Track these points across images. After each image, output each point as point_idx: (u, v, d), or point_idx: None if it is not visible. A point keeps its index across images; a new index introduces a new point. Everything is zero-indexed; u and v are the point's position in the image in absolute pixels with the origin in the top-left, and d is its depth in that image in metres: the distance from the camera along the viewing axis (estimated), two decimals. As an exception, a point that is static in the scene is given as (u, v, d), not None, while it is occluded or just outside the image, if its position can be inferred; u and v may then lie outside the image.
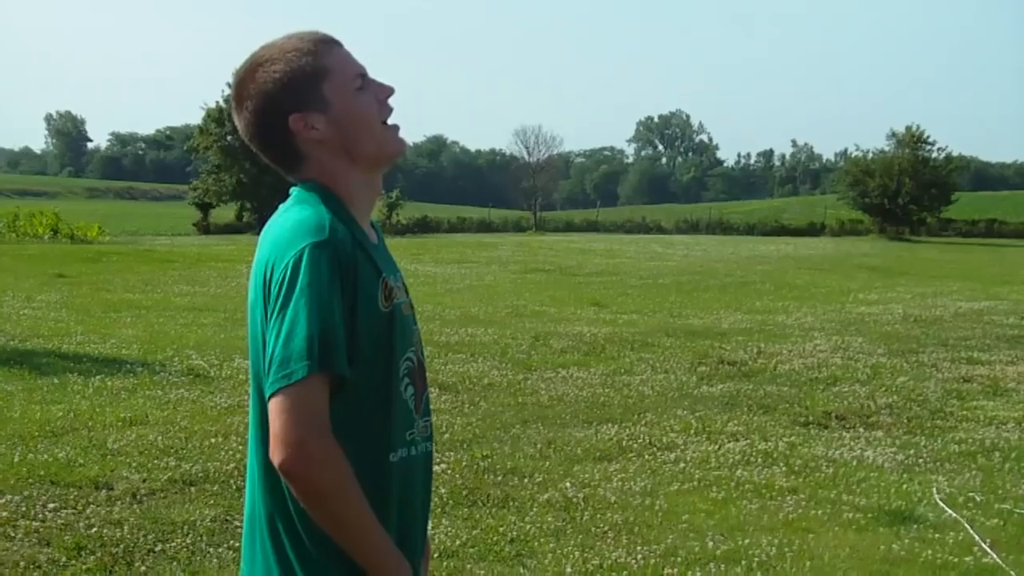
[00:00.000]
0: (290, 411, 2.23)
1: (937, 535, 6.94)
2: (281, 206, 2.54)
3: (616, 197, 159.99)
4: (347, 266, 2.33)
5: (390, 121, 2.58)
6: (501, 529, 6.81)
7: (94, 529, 6.55)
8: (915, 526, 7.14)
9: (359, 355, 2.35)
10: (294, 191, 2.54)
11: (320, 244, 2.31)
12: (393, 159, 2.64)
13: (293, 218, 2.42)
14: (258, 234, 2.55)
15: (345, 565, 2.35)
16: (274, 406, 2.26)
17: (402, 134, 2.61)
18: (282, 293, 2.29)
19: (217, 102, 63.52)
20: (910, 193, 61.90)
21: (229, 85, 57.52)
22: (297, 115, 2.46)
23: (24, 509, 6.87)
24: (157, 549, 6.29)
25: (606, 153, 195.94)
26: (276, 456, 2.24)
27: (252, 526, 2.48)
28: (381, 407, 2.44)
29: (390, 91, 2.58)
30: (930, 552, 6.59)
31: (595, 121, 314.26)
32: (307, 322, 2.24)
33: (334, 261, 2.31)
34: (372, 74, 2.57)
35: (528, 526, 6.90)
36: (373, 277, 2.42)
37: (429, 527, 2.79)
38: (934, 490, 7.94)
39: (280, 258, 2.33)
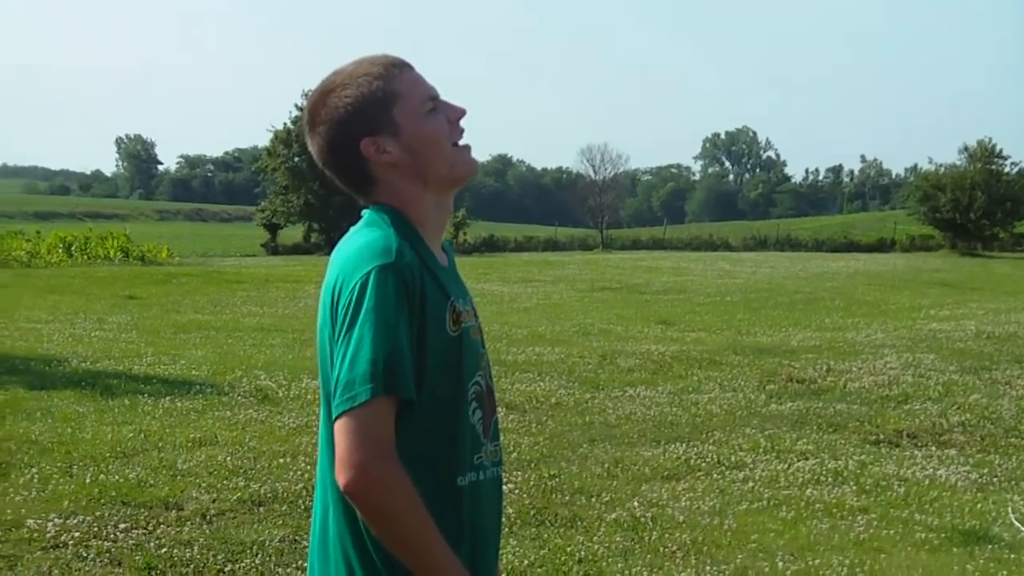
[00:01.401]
0: (354, 433, 2.24)
1: (1012, 555, 6.83)
2: (352, 228, 2.56)
3: (683, 214, 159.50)
4: (414, 289, 2.34)
5: (462, 142, 2.58)
6: (569, 549, 6.79)
7: (164, 549, 6.60)
8: (990, 546, 7.03)
9: (426, 379, 2.35)
10: (365, 213, 2.56)
11: (387, 267, 2.32)
12: (465, 180, 2.64)
13: (361, 240, 2.43)
14: (327, 255, 2.58)
15: None
16: (339, 428, 2.27)
17: (474, 154, 2.61)
18: (348, 315, 2.30)
19: (284, 124, 64.16)
20: (982, 208, 61.05)
21: (297, 107, 58.15)
22: (368, 140, 2.48)
23: (96, 529, 6.94)
24: (227, 569, 6.33)
25: (672, 170, 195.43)
26: (340, 478, 2.26)
27: (324, 547, 2.49)
28: (448, 431, 2.45)
29: (462, 112, 2.59)
30: (1006, 573, 6.50)
31: (661, 138, 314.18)
32: (372, 345, 2.25)
33: (400, 284, 2.31)
34: (440, 94, 2.58)
35: (596, 546, 6.86)
36: (441, 300, 2.42)
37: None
38: (1009, 509, 7.82)
39: (347, 280, 2.35)
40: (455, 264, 2.69)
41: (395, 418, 2.30)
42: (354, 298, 2.30)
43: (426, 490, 2.33)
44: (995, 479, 8.75)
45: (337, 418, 2.28)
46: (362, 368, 2.24)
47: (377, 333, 2.25)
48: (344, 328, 2.30)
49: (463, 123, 2.59)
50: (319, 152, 2.55)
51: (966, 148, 66.03)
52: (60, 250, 37.45)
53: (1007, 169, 64.60)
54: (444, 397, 2.42)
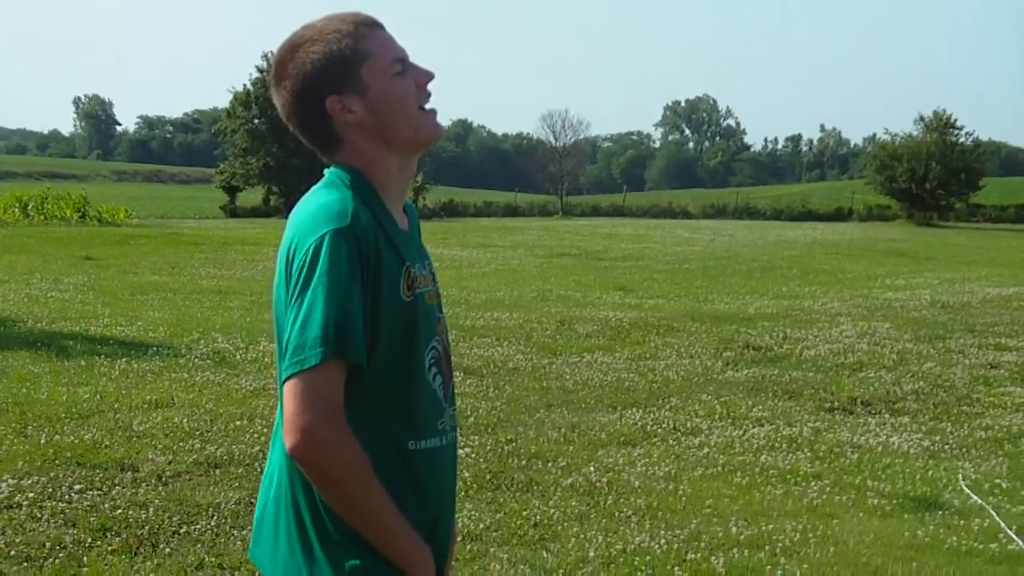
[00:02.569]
0: (301, 396, 2.23)
1: (962, 522, 6.91)
2: (312, 188, 2.54)
3: (643, 182, 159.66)
4: (368, 254, 2.32)
5: (428, 106, 2.56)
6: (525, 513, 6.81)
7: (119, 511, 6.58)
8: (940, 513, 7.10)
9: (380, 343, 2.34)
10: (326, 173, 2.54)
11: (341, 231, 2.30)
12: (429, 144, 2.62)
13: (318, 202, 2.41)
14: (286, 218, 2.55)
15: (366, 549, 2.35)
16: (287, 391, 2.26)
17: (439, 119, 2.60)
18: (301, 278, 2.28)
19: (244, 85, 63.92)
20: (938, 178, 61.47)
21: (258, 69, 57.64)
22: (334, 97, 2.45)
23: (50, 490, 6.91)
24: (182, 531, 6.32)
25: (633, 138, 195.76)
26: (287, 440, 2.25)
27: (277, 507, 2.48)
28: (406, 396, 2.44)
29: (430, 76, 2.56)
30: (955, 539, 6.56)
31: (622, 106, 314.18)
32: (324, 309, 2.24)
33: (354, 249, 2.29)
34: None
35: (552, 510, 6.90)
36: (395, 265, 2.40)
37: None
38: (960, 477, 7.90)
39: (302, 243, 2.33)
40: (418, 227, 2.68)
41: (345, 382, 2.28)
42: (307, 261, 2.28)
43: (378, 455, 2.32)
44: (947, 447, 8.84)
45: (286, 380, 2.27)
46: (313, 332, 2.23)
47: (329, 297, 2.24)
48: (296, 291, 2.28)
49: (430, 87, 2.57)
50: (284, 107, 2.52)
51: (922, 118, 66.43)
52: (16, 210, 37.15)
53: (962, 140, 64.99)
54: (398, 362, 2.41)
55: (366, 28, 2.48)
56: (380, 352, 2.34)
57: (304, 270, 2.28)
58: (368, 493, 2.30)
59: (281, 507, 2.47)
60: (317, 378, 2.23)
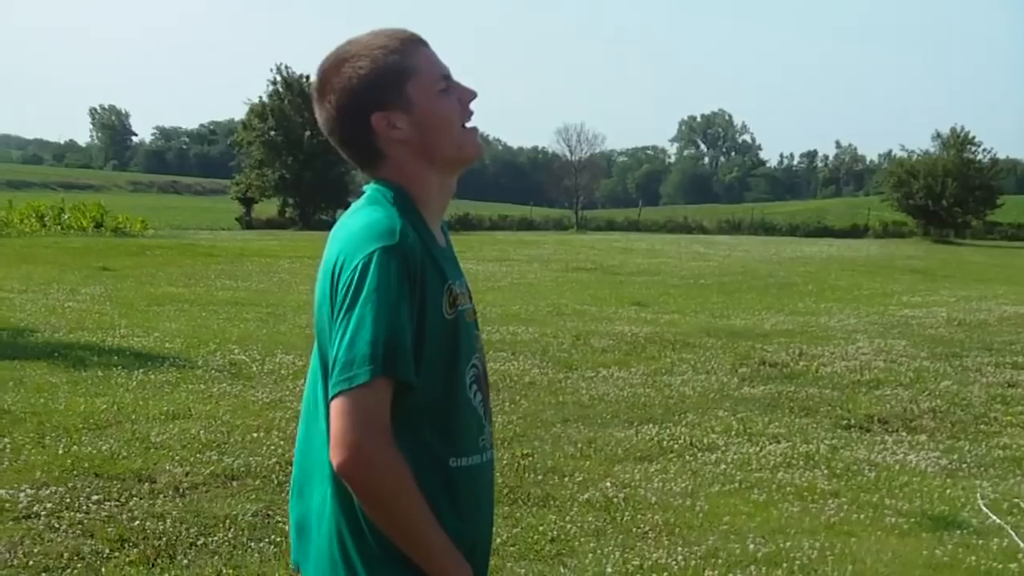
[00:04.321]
0: (350, 414, 2.23)
1: (981, 541, 6.88)
2: (354, 204, 2.53)
3: (658, 196, 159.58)
4: (415, 272, 2.31)
5: (470, 124, 2.56)
6: (542, 528, 6.81)
7: (137, 522, 6.59)
8: (958, 532, 7.08)
9: (424, 361, 2.33)
10: (368, 189, 2.53)
11: (390, 249, 2.29)
12: (472, 162, 2.60)
13: (365, 219, 2.40)
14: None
15: (408, 567, 2.35)
16: (335, 408, 2.25)
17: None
18: (349, 295, 2.27)
19: (260, 97, 64.17)
20: (955, 195, 61.28)
21: (272, 81, 57.62)
22: (380, 114, 2.44)
23: (68, 501, 6.93)
24: (199, 543, 6.33)
25: (648, 152, 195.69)
26: (335, 458, 2.24)
27: (320, 522, 2.46)
28: (448, 413, 2.43)
29: (473, 95, 2.55)
30: (974, 558, 6.54)
31: (637, 120, 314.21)
32: (373, 326, 2.23)
33: (403, 266, 2.28)
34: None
35: (569, 525, 6.89)
36: (439, 283, 2.40)
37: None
38: (978, 495, 7.87)
39: (349, 259, 2.31)
40: (452, 245, 2.68)
41: (392, 400, 2.28)
42: (356, 278, 2.27)
43: (421, 472, 2.31)
44: (964, 465, 8.81)
45: (334, 397, 2.25)
46: (362, 349, 2.22)
47: (379, 314, 2.23)
48: (345, 308, 2.27)
49: (472, 106, 2.56)
50: (327, 122, 2.51)
51: (939, 135, 66.27)
52: (33, 219, 37.27)
53: (979, 157, 64.81)
54: (441, 379, 2.40)
55: (412, 45, 2.48)
56: (424, 369, 2.33)
57: (352, 287, 2.27)
58: (414, 511, 2.29)
59: (324, 524, 2.45)
60: (366, 396, 2.22)
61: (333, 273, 2.35)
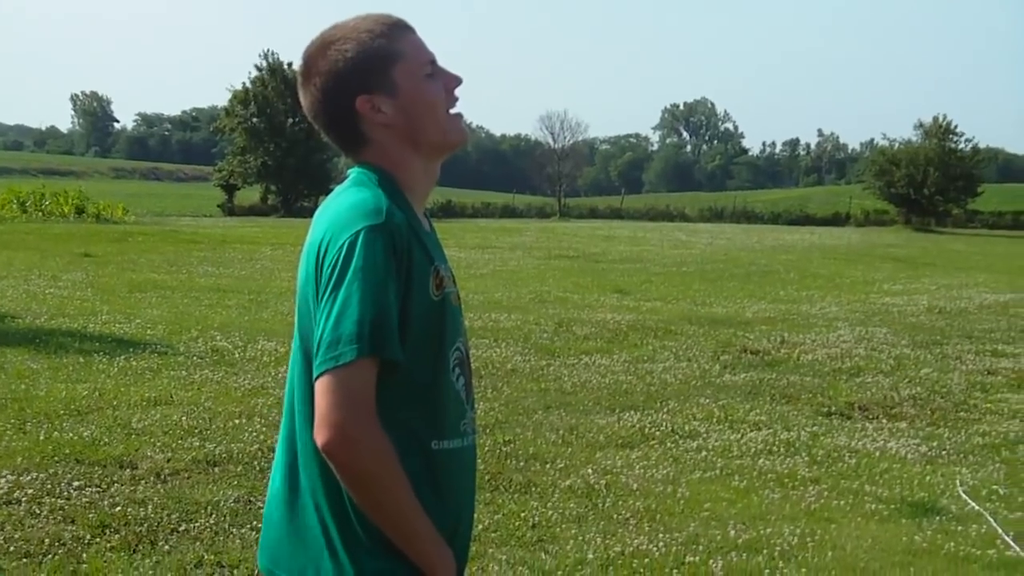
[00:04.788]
0: (335, 393, 2.22)
1: (960, 527, 6.92)
2: (338, 187, 2.53)
3: (640, 184, 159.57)
4: (402, 251, 2.31)
5: (454, 110, 2.56)
6: (523, 514, 6.82)
7: (118, 508, 6.59)
8: (938, 518, 7.11)
9: (410, 342, 2.33)
10: (352, 172, 2.52)
11: (377, 227, 2.29)
12: (455, 148, 2.61)
13: (350, 199, 2.40)
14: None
15: (390, 551, 2.34)
16: (320, 387, 2.25)
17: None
18: (335, 274, 2.27)
19: (243, 84, 63.96)
20: (936, 184, 61.56)
21: (257, 67, 57.51)
22: (365, 97, 2.44)
23: (49, 487, 6.92)
24: (181, 528, 6.33)
25: (631, 140, 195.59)
26: (319, 437, 2.24)
27: (293, 503, 2.46)
28: (431, 395, 2.43)
29: (458, 81, 2.55)
30: (952, 544, 6.58)
31: (620, 108, 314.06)
32: (359, 305, 2.22)
33: (389, 245, 2.28)
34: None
35: (550, 512, 6.90)
36: (425, 265, 2.40)
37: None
38: (957, 482, 7.92)
39: (335, 239, 2.31)
40: (435, 231, 2.67)
41: (378, 380, 2.27)
42: (341, 257, 2.27)
43: (404, 454, 2.31)
44: (944, 452, 8.85)
45: (319, 376, 2.25)
46: (348, 328, 2.22)
47: (365, 293, 2.23)
48: (330, 287, 2.27)
49: (457, 91, 2.56)
50: (311, 105, 2.51)
51: (921, 124, 66.52)
52: (14, 206, 37.16)
53: (961, 146, 65.05)
54: (425, 362, 2.40)
55: (399, 29, 2.48)
56: (409, 350, 2.32)
57: (338, 266, 2.27)
58: (397, 492, 2.29)
59: (299, 505, 2.45)
60: (351, 374, 2.22)
61: (318, 253, 2.35)
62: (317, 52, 2.48)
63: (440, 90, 2.51)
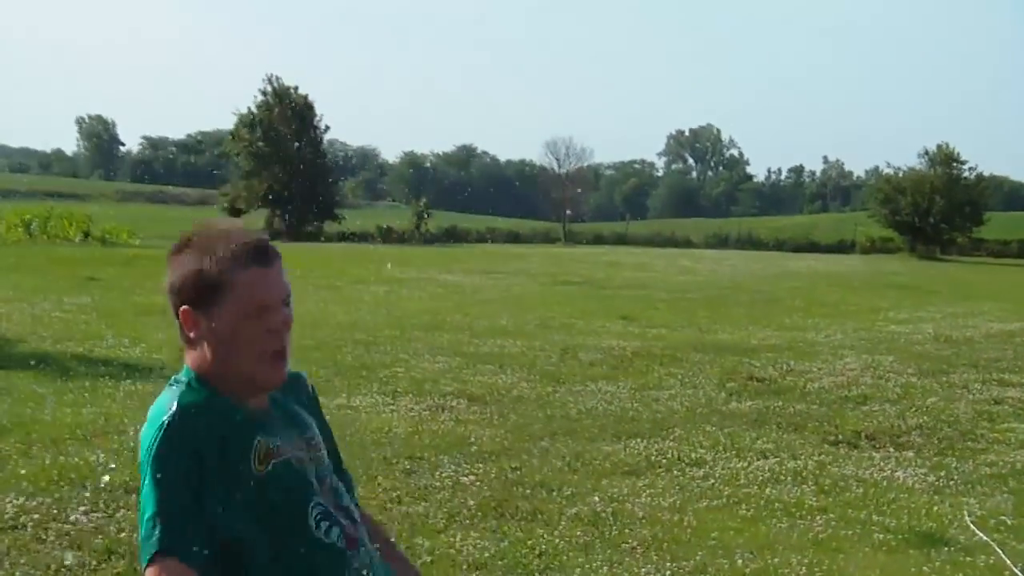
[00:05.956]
0: None
1: (968, 558, 6.89)
2: None
3: (646, 210, 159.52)
4: (197, 448, 2.37)
5: (275, 349, 2.56)
6: (530, 542, 6.80)
7: (124, 534, 6.56)
8: (946, 549, 7.08)
9: (243, 519, 2.39)
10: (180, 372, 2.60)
11: (166, 427, 2.37)
12: (266, 390, 2.62)
13: (158, 401, 2.50)
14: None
15: None
16: None
17: (281, 363, 2.59)
18: (140, 473, 2.39)
19: (248, 108, 64.01)
20: (941, 212, 61.66)
21: (262, 92, 57.46)
22: (187, 308, 2.51)
23: (55, 512, 6.90)
24: (187, 555, 6.29)
25: (636, 166, 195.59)
26: None
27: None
28: (296, 559, 2.47)
29: (283, 325, 2.56)
30: (961, 575, 6.55)
31: (625, 134, 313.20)
32: (151, 505, 2.32)
33: (179, 442, 2.36)
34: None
35: (557, 540, 6.88)
36: (244, 443, 2.46)
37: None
38: (965, 512, 7.88)
39: (143, 440, 2.42)
40: (309, 398, 2.79)
41: (207, 565, 2.32)
42: (142, 458, 2.39)
43: None
44: (952, 482, 8.82)
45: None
46: (144, 528, 2.32)
47: (156, 494, 2.32)
48: (141, 485, 2.39)
49: (284, 336, 2.57)
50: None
51: (926, 152, 66.70)
52: (19, 229, 37.19)
53: (966, 174, 65.15)
54: (275, 532, 2.45)
55: (247, 260, 2.50)
56: (248, 527, 2.40)
57: (141, 466, 2.39)
58: None
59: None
60: (155, 573, 2.30)
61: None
62: (182, 243, 2.57)
63: (258, 332, 2.51)
